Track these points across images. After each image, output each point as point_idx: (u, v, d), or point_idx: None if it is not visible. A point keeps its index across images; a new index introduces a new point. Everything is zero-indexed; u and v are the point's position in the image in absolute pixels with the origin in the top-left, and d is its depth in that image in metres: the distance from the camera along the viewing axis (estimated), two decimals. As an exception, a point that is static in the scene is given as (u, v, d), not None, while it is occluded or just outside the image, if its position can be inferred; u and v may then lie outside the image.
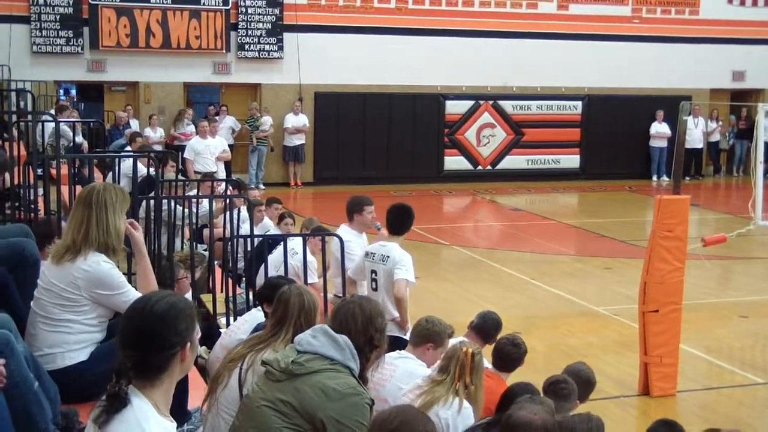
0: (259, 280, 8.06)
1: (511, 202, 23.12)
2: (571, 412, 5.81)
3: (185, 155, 18.23)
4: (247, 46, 23.31)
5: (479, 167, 25.78)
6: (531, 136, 25.88)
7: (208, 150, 18.30)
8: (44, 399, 4.51)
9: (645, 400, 9.38)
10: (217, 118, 21.89)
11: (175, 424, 3.15)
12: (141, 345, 3.07)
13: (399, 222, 7.97)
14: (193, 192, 11.07)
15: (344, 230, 8.81)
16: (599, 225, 19.39)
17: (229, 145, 20.43)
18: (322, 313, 6.20)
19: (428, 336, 6.07)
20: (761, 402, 9.78)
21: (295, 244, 8.88)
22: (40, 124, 10.47)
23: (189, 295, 7.11)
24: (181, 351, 3.13)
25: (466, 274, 14.97)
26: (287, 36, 23.49)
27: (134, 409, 3.01)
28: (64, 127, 14.03)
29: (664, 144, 25.93)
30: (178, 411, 4.86)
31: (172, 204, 8.52)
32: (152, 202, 8.09)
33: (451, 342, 5.87)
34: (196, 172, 17.05)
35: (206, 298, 8.36)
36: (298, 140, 23.67)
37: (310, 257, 8.84)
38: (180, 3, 22.58)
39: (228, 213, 8.83)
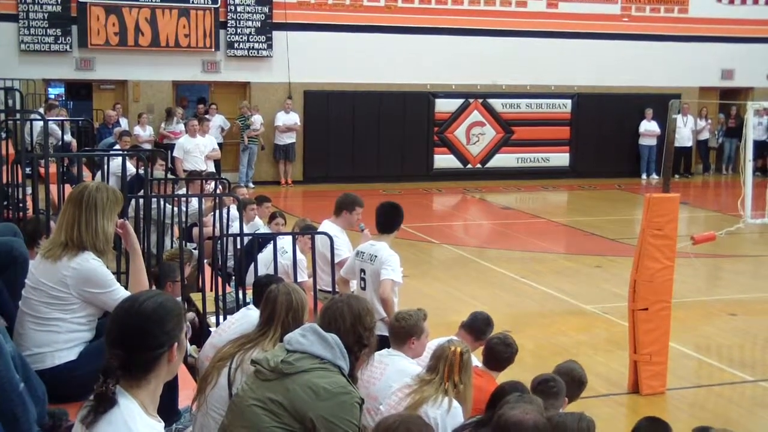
0: (249, 278, 8.05)
1: (500, 200, 23.13)
2: (560, 410, 5.82)
3: (174, 154, 18.18)
4: (236, 45, 23.28)
5: (469, 165, 25.78)
6: (521, 135, 25.89)
7: (197, 149, 18.25)
8: (29, 400, 4.49)
9: (634, 398, 9.40)
10: (207, 116, 21.84)
11: (162, 424, 3.14)
12: (128, 344, 3.05)
13: (388, 221, 7.95)
14: (183, 191, 11.05)
15: (328, 225, 8.80)
16: (589, 223, 19.42)
17: (219, 144, 20.40)
18: (311, 311, 6.19)
19: (407, 332, 6.06)
20: (750, 400, 9.81)
21: (285, 242, 8.87)
22: (28, 122, 10.45)
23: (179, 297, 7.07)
24: (168, 351, 3.11)
25: (456, 272, 14.97)
26: (276, 34, 23.45)
27: (121, 409, 2.98)
28: (53, 126, 14.00)
29: (653, 142, 25.98)
30: (168, 410, 4.85)
31: (162, 203, 8.50)
32: (141, 200, 8.07)
33: (440, 341, 5.86)
34: (185, 171, 17.00)
35: (196, 296, 8.34)
36: (288, 139, 23.64)
37: (299, 256, 8.83)
38: (169, 1, 22.52)
39: (218, 211, 8.81)
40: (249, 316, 5.89)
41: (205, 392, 4.93)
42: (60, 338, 5.07)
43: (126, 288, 5.29)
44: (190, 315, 7.31)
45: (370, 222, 8.32)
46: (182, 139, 18.91)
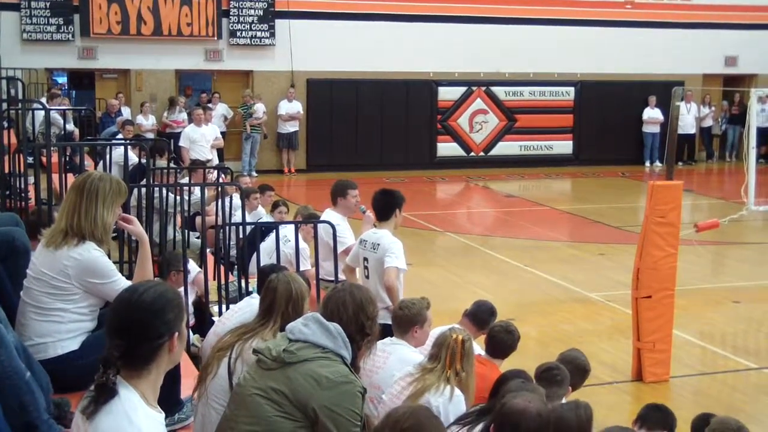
0: (252, 268, 8.05)
1: (504, 188, 23.10)
2: (563, 398, 5.82)
3: (180, 143, 18.21)
4: (238, 33, 23.23)
5: (472, 153, 25.76)
6: (524, 122, 25.85)
7: (203, 138, 18.26)
8: (37, 388, 4.48)
9: (638, 385, 9.41)
10: (210, 105, 21.83)
11: (163, 414, 3.13)
12: (128, 335, 3.04)
13: (382, 208, 7.90)
14: (185, 180, 11.04)
15: (330, 214, 8.78)
16: (592, 211, 19.40)
17: (222, 133, 20.39)
18: (314, 300, 6.18)
19: (410, 320, 6.06)
20: (754, 387, 9.82)
21: (288, 231, 8.86)
22: (30, 111, 10.43)
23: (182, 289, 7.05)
24: (169, 341, 3.11)
25: (460, 260, 14.97)
26: (279, 22, 23.40)
27: (122, 399, 2.98)
28: (55, 115, 13.98)
29: (656, 129, 25.94)
30: (170, 400, 4.83)
31: (164, 192, 8.48)
32: (143, 190, 8.06)
33: (442, 329, 5.85)
34: (190, 160, 16.99)
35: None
36: (291, 127, 23.62)
37: (302, 244, 8.82)
38: (171, -11, 22.51)
39: (220, 200, 8.80)
40: (252, 305, 5.87)
41: (205, 382, 4.92)
42: (62, 328, 5.06)
43: (131, 276, 5.27)
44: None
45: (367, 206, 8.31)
46: (188, 128, 18.93)
